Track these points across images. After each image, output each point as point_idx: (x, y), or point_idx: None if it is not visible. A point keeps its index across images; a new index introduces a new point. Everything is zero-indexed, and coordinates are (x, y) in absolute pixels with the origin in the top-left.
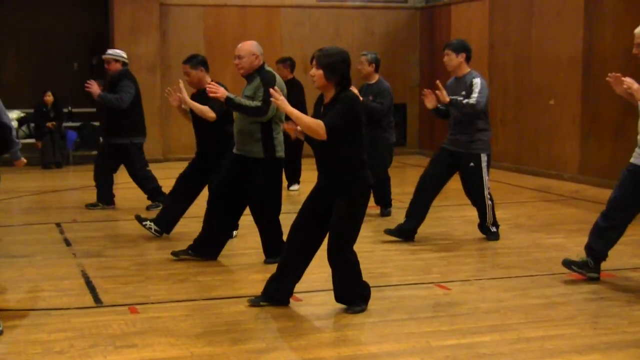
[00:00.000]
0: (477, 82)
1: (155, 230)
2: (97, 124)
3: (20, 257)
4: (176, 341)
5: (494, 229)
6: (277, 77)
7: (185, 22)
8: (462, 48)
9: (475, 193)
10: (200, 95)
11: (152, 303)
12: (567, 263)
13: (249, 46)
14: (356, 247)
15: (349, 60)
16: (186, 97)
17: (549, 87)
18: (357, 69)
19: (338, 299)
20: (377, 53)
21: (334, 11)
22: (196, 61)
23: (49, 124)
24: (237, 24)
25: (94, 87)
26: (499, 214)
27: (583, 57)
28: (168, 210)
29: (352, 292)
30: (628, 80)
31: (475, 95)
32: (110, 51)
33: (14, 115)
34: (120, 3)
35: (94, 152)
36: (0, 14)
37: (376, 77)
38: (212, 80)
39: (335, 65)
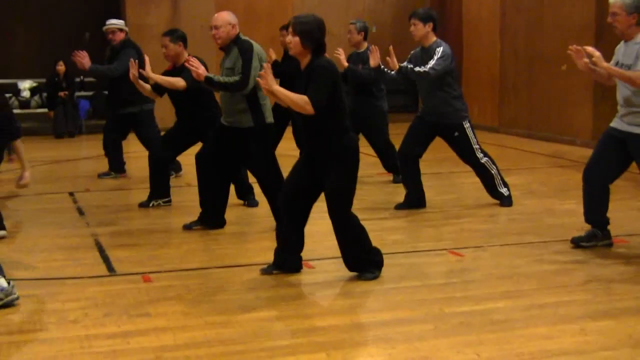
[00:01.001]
0: (440, 50)
1: (163, 202)
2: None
3: (33, 226)
4: (189, 309)
5: (505, 191)
6: (255, 44)
7: None
8: (429, 17)
9: (469, 160)
10: (177, 71)
11: (166, 272)
12: (576, 241)
13: (225, 16)
14: (368, 215)
15: (324, 28)
16: (150, 72)
17: (561, 53)
18: (346, 37)
19: (348, 266)
20: (367, 22)
21: None
22: (176, 35)
23: (61, 94)
24: None
25: (85, 60)
26: (512, 180)
27: (595, 22)
28: (158, 180)
29: (359, 257)
30: (590, 49)
31: (432, 62)
32: (112, 21)
33: (26, 84)
34: None
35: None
36: None
37: (365, 45)
38: (190, 55)
39: (311, 32)
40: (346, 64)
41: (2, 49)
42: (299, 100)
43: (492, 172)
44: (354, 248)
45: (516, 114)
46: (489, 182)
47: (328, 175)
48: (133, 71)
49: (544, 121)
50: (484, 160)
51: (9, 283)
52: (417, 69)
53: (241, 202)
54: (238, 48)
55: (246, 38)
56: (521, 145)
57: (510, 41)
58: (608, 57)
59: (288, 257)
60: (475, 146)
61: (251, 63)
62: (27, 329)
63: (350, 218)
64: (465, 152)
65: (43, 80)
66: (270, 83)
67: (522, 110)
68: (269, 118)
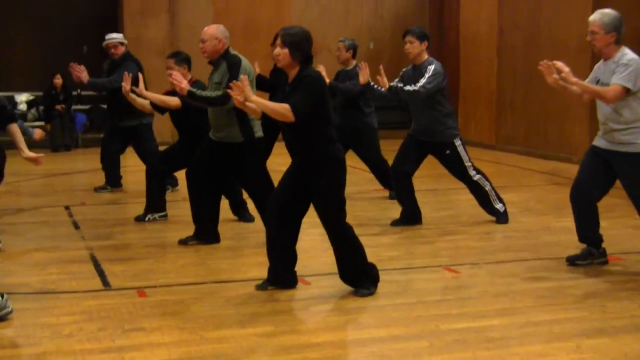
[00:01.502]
0: (431, 68)
1: (159, 216)
2: (106, 106)
3: (29, 240)
4: (185, 325)
5: (501, 207)
6: (243, 60)
7: (194, 6)
8: (425, 36)
9: (462, 177)
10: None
11: (161, 286)
12: (571, 260)
13: (212, 30)
14: (365, 231)
15: (311, 39)
16: (144, 90)
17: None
18: (335, 55)
19: (343, 278)
20: (355, 39)
21: None
22: (181, 58)
23: (58, 107)
24: (246, 7)
25: (84, 74)
26: (508, 197)
27: None
28: (154, 194)
29: (357, 267)
30: (559, 64)
31: (422, 80)
32: (113, 35)
33: (23, 97)
34: None
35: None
36: None
37: (353, 62)
38: (192, 78)
39: (300, 43)
40: (327, 80)
41: (0, 61)
42: (280, 109)
43: (486, 188)
44: (351, 257)
45: (513, 131)
46: (484, 198)
47: (316, 185)
48: (125, 85)
49: (541, 138)
50: (476, 177)
51: (2, 296)
52: (407, 87)
53: (235, 217)
54: (226, 62)
55: (235, 53)
56: (518, 163)
57: (508, 58)
58: None
59: (282, 272)
60: (467, 164)
61: (236, 78)
62: (21, 343)
63: (346, 228)
64: (458, 170)
65: (40, 93)
66: (247, 94)
67: (519, 128)
68: (259, 132)
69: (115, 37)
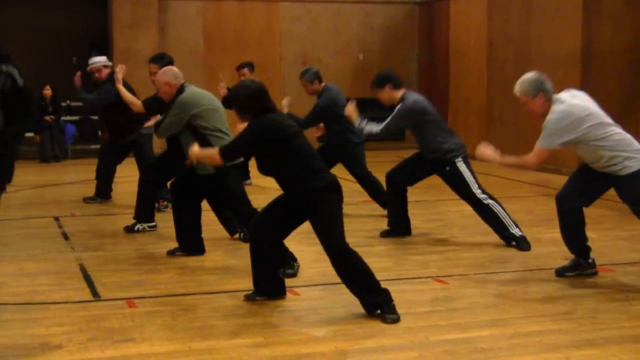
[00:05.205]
0: (397, 108)
1: (148, 227)
2: (96, 117)
3: (18, 251)
4: (174, 335)
5: (517, 232)
6: (196, 94)
7: (184, 17)
8: (383, 80)
9: (467, 199)
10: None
11: (150, 297)
12: (560, 272)
13: (160, 77)
14: (354, 242)
15: (260, 93)
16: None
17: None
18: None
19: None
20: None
21: (333, 6)
22: (166, 61)
23: (48, 118)
24: (236, 19)
25: (77, 79)
26: None
27: (582, 54)
28: (144, 202)
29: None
30: (481, 150)
31: (385, 122)
32: (96, 59)
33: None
34: None
35: (93, 146)
36: (1, 9)
37: (321, 86)
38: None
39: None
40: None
41: None
42: (210, 152)
43: (498, 213)
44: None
45: (503, 143)
46: (497, 223)
47: (313, 222)
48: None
49: (530, 150)
50: (486, 201)
51: None
52: (367, 129)
53: (228, 234)
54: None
55: (189, 89)
56: (507, 174)
57: (498, 70)
58: (596, 88)
59: (268, 283)
60: (472, 183)
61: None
62: (10, 354)
63: (351, 251)
64: (462, 190)
65: None
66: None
67: (508, 140)
68: None
69: (98, 60)
